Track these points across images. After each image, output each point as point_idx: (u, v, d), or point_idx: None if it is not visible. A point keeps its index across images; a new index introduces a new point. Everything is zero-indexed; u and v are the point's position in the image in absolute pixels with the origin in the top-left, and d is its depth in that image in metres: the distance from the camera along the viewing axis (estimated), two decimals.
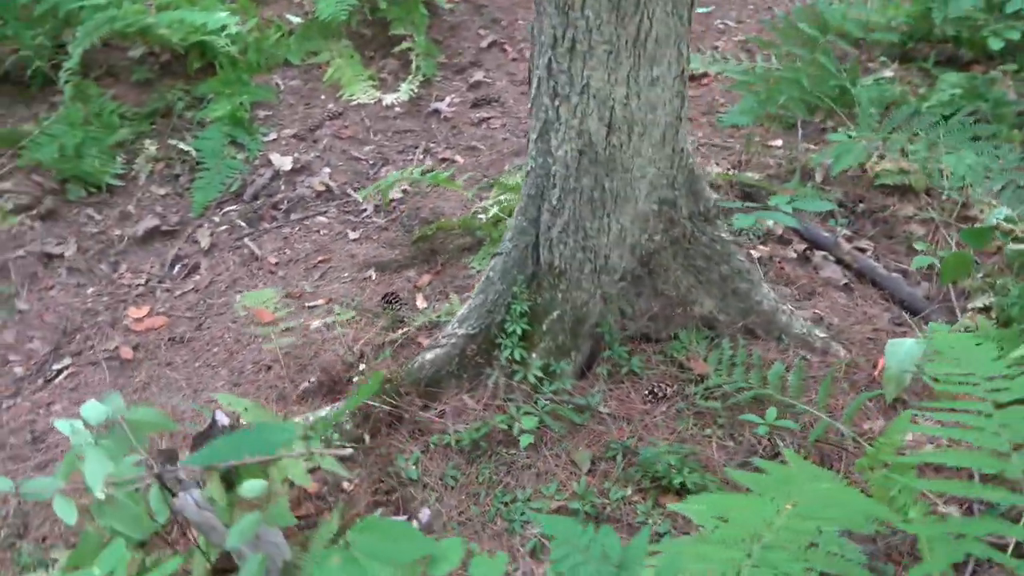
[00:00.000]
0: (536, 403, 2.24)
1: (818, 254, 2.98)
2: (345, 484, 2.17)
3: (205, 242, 3.70)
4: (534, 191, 2.21)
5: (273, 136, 4.35)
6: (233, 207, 3.91)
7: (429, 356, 2.33)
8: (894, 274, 2.86)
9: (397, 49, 4.86)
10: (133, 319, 3.31)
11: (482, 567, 1.21)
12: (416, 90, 4.68)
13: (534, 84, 2.12)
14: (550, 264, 2.26)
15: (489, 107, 4.66)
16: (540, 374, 2.28)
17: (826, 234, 3.00)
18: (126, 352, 3.13)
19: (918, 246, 2.95)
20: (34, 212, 3.83)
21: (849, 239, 3.06)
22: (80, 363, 3.16)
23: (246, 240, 3.66)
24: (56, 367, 3.20)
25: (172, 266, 3.64)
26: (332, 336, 2.68)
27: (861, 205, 3.21)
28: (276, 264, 3.48)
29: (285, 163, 4.08)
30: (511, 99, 4.69)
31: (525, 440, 2.14)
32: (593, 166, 2.11)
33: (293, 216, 3.80)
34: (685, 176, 2.27)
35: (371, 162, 4.22)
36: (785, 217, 2.32)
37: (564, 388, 2.29)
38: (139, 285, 3.55)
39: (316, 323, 2.74)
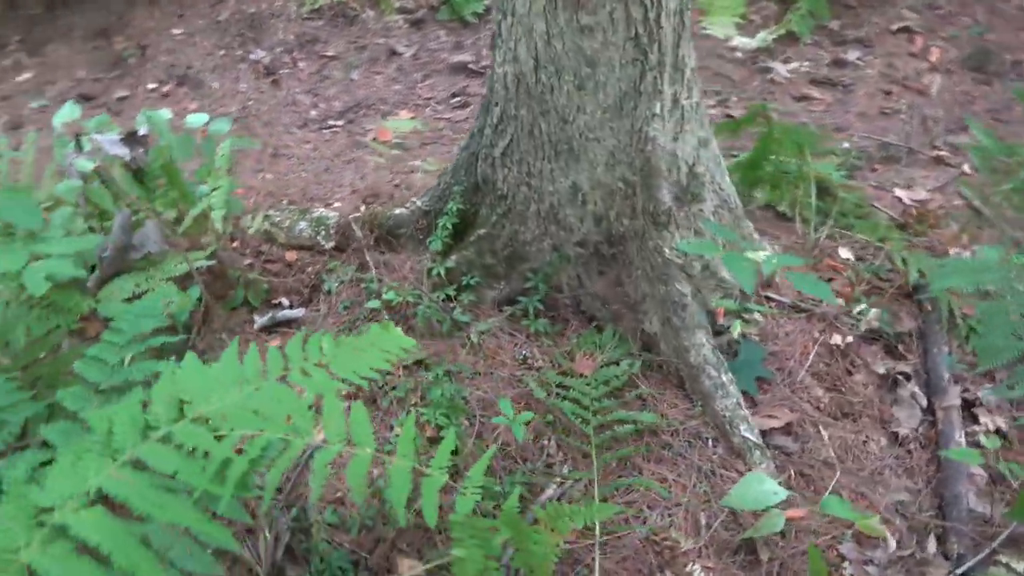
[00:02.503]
0: (428, 294, 2.35)
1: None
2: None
3: None
4: (485, 102, 2.18)
5: None
6: None
7: (396, 211, 2.56)
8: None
9: None
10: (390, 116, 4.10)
11: None
12: (771, 43, 4.34)
13: None
14: (492, 183, 2.24)
15: (829, 88, 4.11)
16: (450, 272, 2.34)
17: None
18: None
19: None
20: (408, 17, 4.80)
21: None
22: (340, 120, 4.09)
23: None
24: (331, 122, 4.19)
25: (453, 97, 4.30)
26: (407, 170, 3.05)
27: None
28: None
29: None
30: (866, 88, 4.05)
31: (373, 303, 2.31)
32: (528, 99, 1.99)
33: None
34: (642, 163, 1.98)
35: None
36: (744, 272, 1.88)
37: (462, 299, 2.33)
38: (416, 96, 4.30)
39: (415, 161, 3.13)
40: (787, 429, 2.16)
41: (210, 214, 2.26)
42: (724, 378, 2.04)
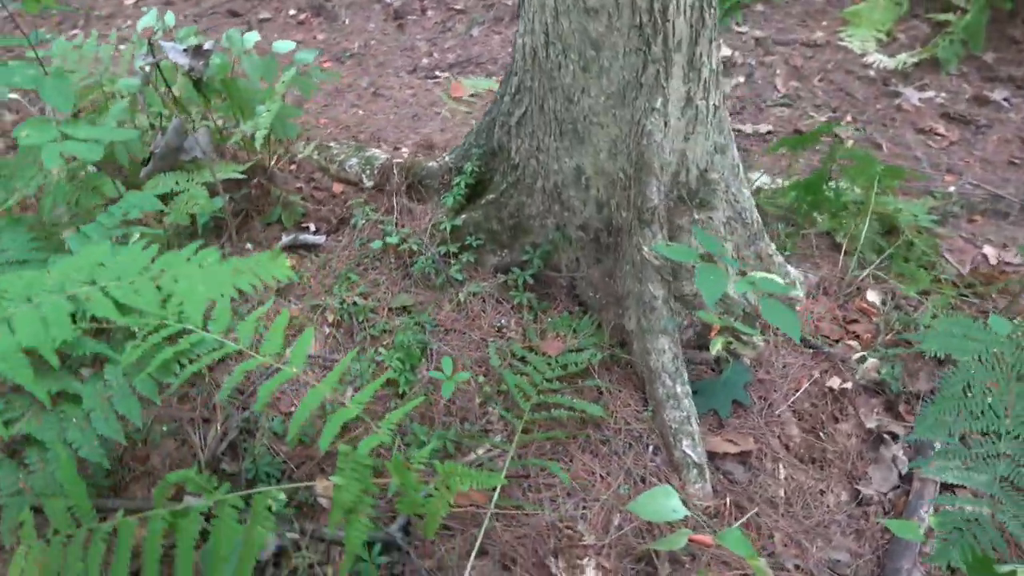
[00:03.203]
0: (432, 247, 2.43)
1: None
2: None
3: None
4: (508, 69, 2.18)
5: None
6: None
7: (429, 164, 2.63)
8: None
9: (937, 17, 4.10)
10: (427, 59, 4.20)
11: None
12: (909, 66, 4.01)
13: None
14: (507, 151, 2.26)
15: (960, 126, 3.76)
16: (456, 230, 2.41)
17: None
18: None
19: None
20: None
21: None
22: (446, 72, 4.22)
23: None
24: (439, 72, 4.32)
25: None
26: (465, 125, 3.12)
27: None
28: None
29: None
30: (1002, 133, 3.68)
31: (376, 244, 2.42)
32: (539, 73, 1.99)
33: None
34: (636, 157, 1.93)
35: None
36: (710, 286, 1.82)
37: (462, 258, 2.39)
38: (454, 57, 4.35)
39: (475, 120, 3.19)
40: (743, 458, 2.08)
41: (254, 134, 2.43)
42: (679, 389, 1.98)
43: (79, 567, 1.55)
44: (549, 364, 2.12)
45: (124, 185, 2.40)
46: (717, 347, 2.16)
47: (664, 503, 1.72)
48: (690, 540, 1.81)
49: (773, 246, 2.35)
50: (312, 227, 2.70)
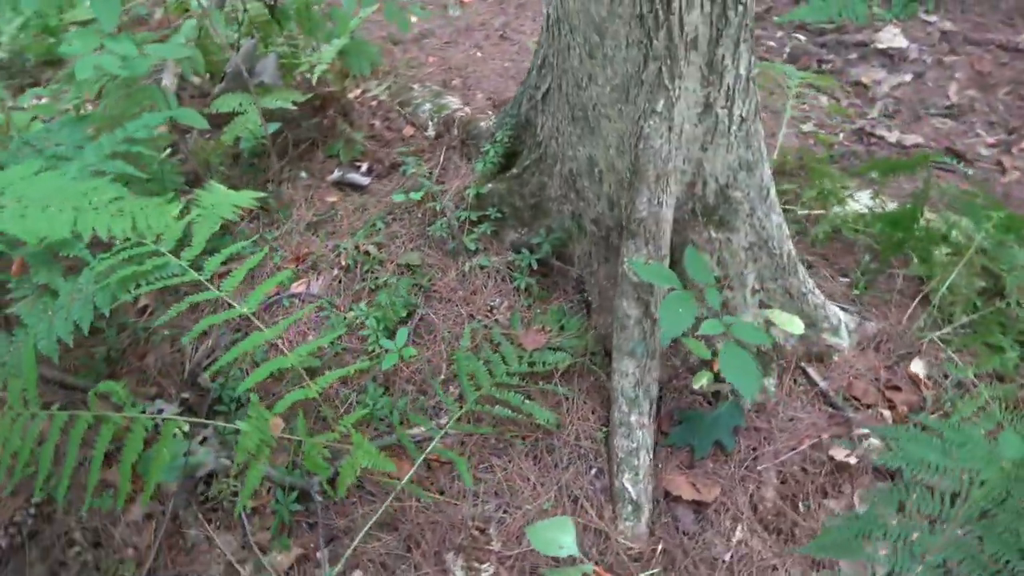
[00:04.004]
0: (453, 210, 2.37)
1: None
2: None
3: None
4: (538, 41, 2.01)
5: None
6: None
7: (481, 124, 2.54)
8: None
9: None
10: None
11: None
12: None
13: None
14: (533, 127, 2.13)
15: None
16: (481, 198, 2.33)
17: None
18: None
19: None
20: None
21: None
22: None
23: None
24: None
25: None
26: None
27: None
28: None
29: None
30: None
31: (398, 197, 2.40)
32: (557, 51, 1.83)
33: None
34: (633, 160, 1.74)
35: None
36: (672, 319, 1.64)
37: (480, 228, 2.32)
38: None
39: None
40: (699, 507, 1.89)
41: (317, 66, 2.47)
42: (633, 418, 1.83)
43: (18, 443, 1.73)
44: (520, 358, 2.03)
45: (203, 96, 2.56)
46: (703, 381, 1.96)
47: (553, 536, 1.62)
48: None
49: (811, 283, 2.06)
50: (364, 167, 2.73)
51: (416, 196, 2.38)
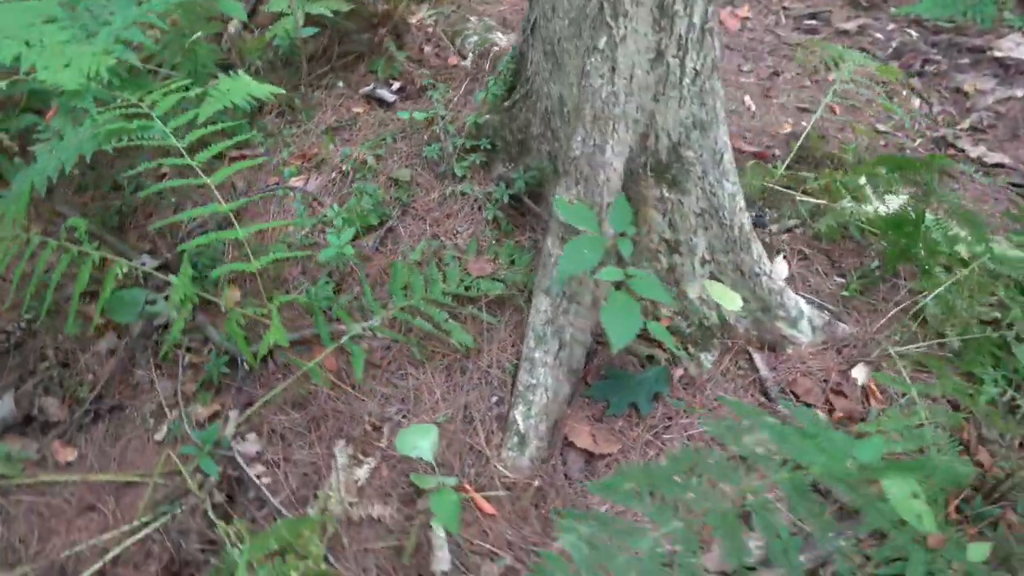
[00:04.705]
0: (450, 136, 2.43)
1: None
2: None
3: None
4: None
5: None
6: None
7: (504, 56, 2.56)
8: None
9: None
10: None
11: None
12: None
13: None
14: (526, 60, 2.13)
15: None
16: (478, 128, 2.37)
17: None
18: None
19: None
20: None
21: None
22: None
23: None
24: None
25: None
26: None
27: None
28: None
29: None
30: None
31: (403, 115, 2.47)
32: (546, 16, 1.83)
33: None
34: (578, 98, 1.72)
35: None
36: (618, 326, 1.63)
37: (472, 158, 2.36)
38: None
39: None
40: (590, 458, 1.90)
41: None
42: (537, 355, 1.85)
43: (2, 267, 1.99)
44: (462, 281, 2.08)
45: None
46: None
47: (414, 440, 1.68)
48: (473, 503, 1.74)
49: (769, 267, 1.97)
50: (396, 86, 2.83)
51: (420, 116, 2.45)
